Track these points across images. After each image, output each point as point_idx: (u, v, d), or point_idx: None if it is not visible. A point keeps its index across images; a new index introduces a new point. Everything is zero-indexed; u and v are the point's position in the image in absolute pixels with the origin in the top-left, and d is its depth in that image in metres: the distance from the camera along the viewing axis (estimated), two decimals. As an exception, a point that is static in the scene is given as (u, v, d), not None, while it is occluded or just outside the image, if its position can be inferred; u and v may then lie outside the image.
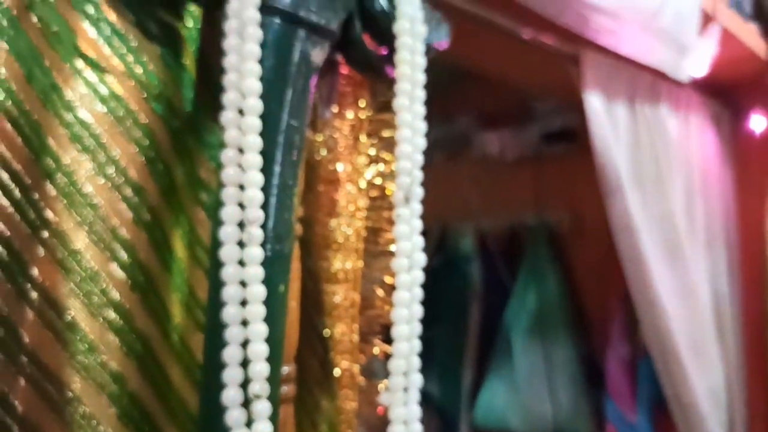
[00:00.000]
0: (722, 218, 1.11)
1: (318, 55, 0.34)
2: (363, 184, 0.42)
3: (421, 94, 0.37)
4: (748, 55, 1.03)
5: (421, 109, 0.37)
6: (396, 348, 0.34)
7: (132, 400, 0.35)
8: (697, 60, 0.80)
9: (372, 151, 0.42)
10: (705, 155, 1.09)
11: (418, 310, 0.36)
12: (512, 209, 1.54)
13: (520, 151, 1.51)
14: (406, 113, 0.36)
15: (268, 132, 0.32)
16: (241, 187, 0.31)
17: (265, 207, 0.31)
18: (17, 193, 0.34)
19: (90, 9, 0.37)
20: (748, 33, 1.01)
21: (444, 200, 1.69)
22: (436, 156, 1.73)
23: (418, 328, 0.36)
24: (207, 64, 0.41)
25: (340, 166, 0.41)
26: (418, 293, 0.36)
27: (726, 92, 1.13)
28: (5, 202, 0.34)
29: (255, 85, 0.31)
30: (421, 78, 0.38)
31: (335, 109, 0.41)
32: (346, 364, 0.41)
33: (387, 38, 0.38)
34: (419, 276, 0.36)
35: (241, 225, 0.31)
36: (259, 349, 0.30)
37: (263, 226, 0.31)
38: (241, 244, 0.31)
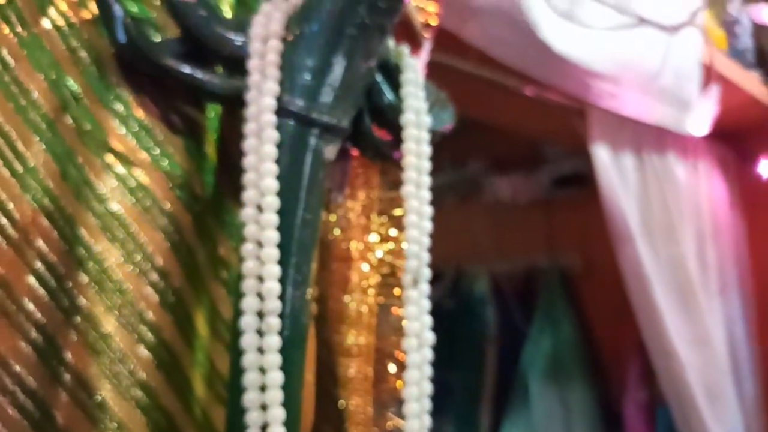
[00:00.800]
0: (735, 263, 1.12)
1: (330, 151, 0.37)
2: (375, 262, 0.44)
3: (426, 180, 0.40)
4: (752, 102, 1.05)
5: (427, 195, 0.40)
6: (407, 425, 0.36)
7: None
8: (699, 120, 0.82)
9: (383, 230, 0.44)
10: (715, 201, 1.11)
11: (428, 387, 0.38)
12: (525, 252, 1.56)
13: (531, 194, 1.53)
14: (413, 200, 0.39)
15: (284, 227, 0.34)
16: (260, 279, 0.33)
17: (282, 297, 0.34)
18: (53, 282, 0.37)
19: (119, 107, 0.40)
20: (751, 81, 1.04)
21: (457, 243, 1.71)
22: (447, 200, 1.75)
23: (428, 404, 0.37)
24: (227, 150, 0.44)
25: (352, 245, 0.44)
26: (428, 371, 0.38)
27: (733, 138, 1.15)
28: (42, 292, 0.36)
29: (272, 184, 0.34)
30: (427, 165, 0.40)
31: (347, 192, 0.43)
32: (360, 436, 0.43)
33: (394, 127, 0.40)
34: (428, 355, 0.38)
35: (260, 314, 0.33)
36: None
37: (281, 315, 0.34)
38: (260, 332, 0.33)
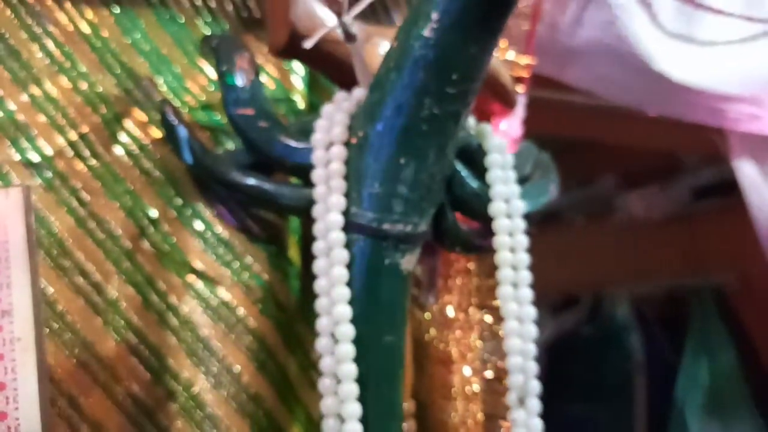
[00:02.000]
0: None
1: (409, 261, 0.33)
2: (477, 364, 0.39)
3: (527, 276, 0.35)
4: None
5: (528, 294, 0.35)
6: None
7: None
8: None
9: (484, 325, 0.40)
10: None
11: None
12: (666, 272, 1.41)
13: (668, 209, 1.39)
14: (512, 302, 0.34)
15: (364, 356, 0.31)
16: (340, 418, 0.30)
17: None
18: (142, 417, 0.36)
19: (198, 224, 0.39)
20: None
21: (591, 266, 1.59)
22: (577, 220, 1.65)
23: None
24: (311, 251, 0.41)
25: (451, 345, 0.40)
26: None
27: None
28: (132, 429, 0.35)
29: (345, 311, 0.31)
30: (525, 258, 0.35)
31: (438, 290, 0.39)
32: None
33: (483, 216, 0.36)
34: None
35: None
36: None
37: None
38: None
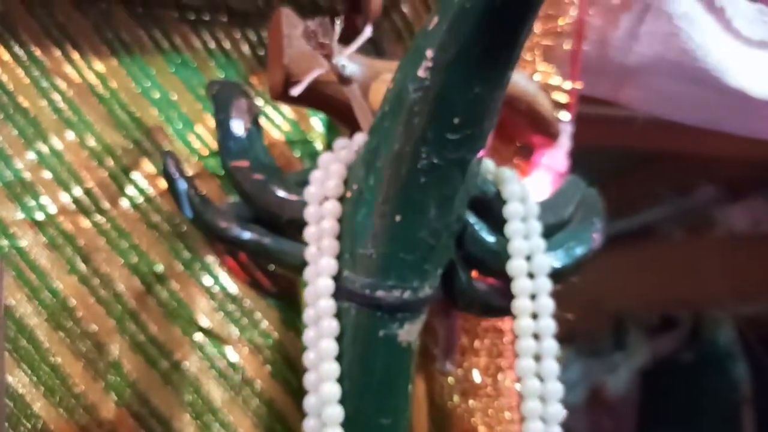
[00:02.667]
0: None
1: (409, 332, 0.29)
2: (504, 436, 0.35)
3: (552, 347, 0.30)
4: None
5: (553, 368, 0.30)
6: None
7: None
8: None
9: (515, 393, 0.35)
10: None
11: None
12: (776, 293, 1.28)
13: (776, 223, 1.26)
14: (533, 379, 0.29)
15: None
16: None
17: None
18: (143, 487, 0.34)
19: (207, 279, 0.37)
20: None
21: (689, 284, 1.47)
22: (674, 235, 1.53)
23: None
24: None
25: (477, 415, 0.35)
26: None
27: None
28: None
29: (333, 390, 0.27)
30: (551, 325, 0.30)
31: (457, 356, 0.35)
32: None
33: (500, 274, 0.31)
34: None
35: None
36: None
37: None
38: None
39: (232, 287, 0.37)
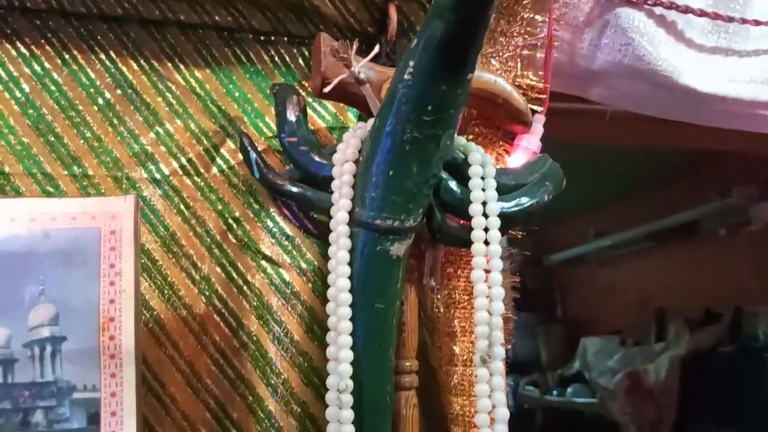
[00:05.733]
0: None
1: (397, 248, 0.43)
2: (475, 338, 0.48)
3: (498, 264, 0.43)
4: None
5: (498, 277, 0.43)
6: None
7: None
8: None
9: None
10: None
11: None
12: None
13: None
14: (480, 284, 0.43)
15: (358, 315, 0.42)
16: (338, 361, 0.41)
17: (357, 374, 0.41)
18: (221, 359, 0.50)
19: (269, 223, 0.53)
20: None
21: (732, 280, 1.52)
22: (713, 233, 1.58)
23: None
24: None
25: (455, 322, 0.49)
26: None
27: None
28: (215, 368, 0.50)
29: (344, 283, 0.42)
30: (498, 249, 0.44)
31: (438, 276, 0.49)
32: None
33: (466, 216, 0.45)
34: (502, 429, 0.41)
35: (340, 392, 0.41)
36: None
37: (361, 388, 0.41)
38: (340, 407, 0.41)
39: (286, 228, 0.52)
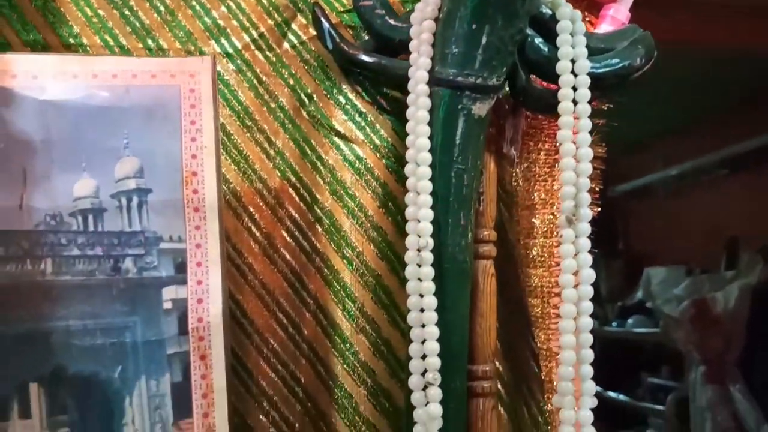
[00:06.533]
0: None
1: (480, 108, 0.41)
2: (556, 209, 0.46)
3: (587, 124, 0.41)
4: None
5: (587, 138, 0.41)
6: (561, 356, 0.39)
7: (374, 380, 0.48)
8: None
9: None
10: None
11: (586, 322, 0.39)
12: None
13: None
14: (568, 143, 0.41)
15: (439, 176, 0.41)
16: (417, 219, 0.41)
17: (437, 235, 0.40)
18: (297, 232, 0.50)
19: (341, 99, 0.52)
20: None
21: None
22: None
23: (585, 338, 0.39)
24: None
25: (535, 194, 0.47)
26: (586, 307, 0.39)
27: None
28: (291, 240, 0.50)
29: (424, 143, 0.41)
30: (587, 108, 0.41)
31: (519, 146, 0.47)
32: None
33: (553, 77, 0.43)
34: (587, 291, 0.40)
35: (420, 250, 0.40)
36: (432, 346, 0.39)
37: (439, 248, 0.40)
38: (420, 265, 0.40)
39: (359, 104, 0.51)
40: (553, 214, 0.46)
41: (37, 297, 0.37)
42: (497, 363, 0.48)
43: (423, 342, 0.40)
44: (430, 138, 0.41)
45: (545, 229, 0.47)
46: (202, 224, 0.40)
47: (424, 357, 0.40)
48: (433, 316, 0.40)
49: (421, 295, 0.40)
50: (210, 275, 0.39)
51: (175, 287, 0.39)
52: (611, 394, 1.94)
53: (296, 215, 0.50)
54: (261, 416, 0.48)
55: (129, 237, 0.39)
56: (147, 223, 0.39)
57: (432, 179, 0.41)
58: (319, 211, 0.51)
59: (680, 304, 1.60)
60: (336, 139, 0.51)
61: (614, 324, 2.00)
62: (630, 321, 1.94)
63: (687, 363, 1.67)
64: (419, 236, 0.40)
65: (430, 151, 0.41)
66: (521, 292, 0.48)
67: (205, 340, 0.39)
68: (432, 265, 0.40)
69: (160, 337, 0.38)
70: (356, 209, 0.50)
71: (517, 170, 0.48)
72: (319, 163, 0.51)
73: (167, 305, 0.39)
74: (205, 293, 0.39)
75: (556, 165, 0.47)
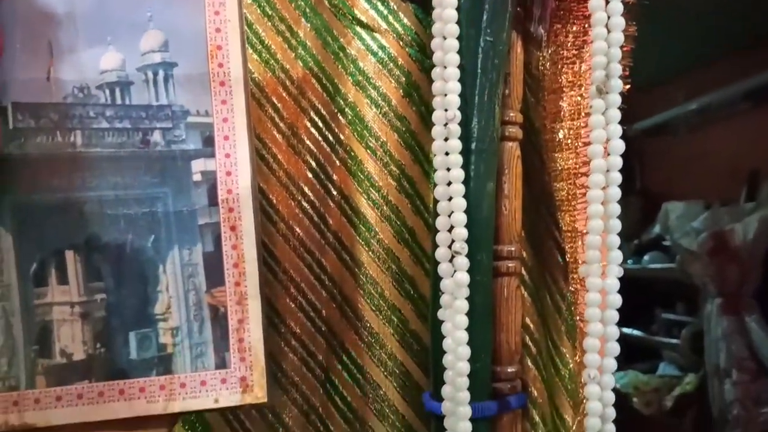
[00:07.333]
0: None
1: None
2: (584, 90, 0.45)
3: (618, 6, 0.40)
4: None
5: (618, 7, 0.40)
6: (587, 240, 0.39)
7: (399, 266, 0.49)
8: None
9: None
10: None
11: (616, 192, 0.39)
12: None
13: None
14: (600, 12, 0.40)
15: (466, 49, 0.40)
16: (445, 94, 0.40)
17: (465, 108, 0.40)
18: (321, 123, 0.50)
19: (363, -18, 0.51)
20: None
21: None
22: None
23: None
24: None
25: (563, 77, 0.46)
26: (616, 178, 0.39)
27: None
28: (314, 131, 0.50)
29: (452, 14, 0.40)
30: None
31: (547, 26, 0.46)
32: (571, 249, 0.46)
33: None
34: (617, 162, 0.39)
35: (447, 123, 0.40)
36: (459, 218, 0.39)
37: (466, 125, 0.40)
38: (447, 138, 0.40)
39: (382, -7, 0.50)
40: (581, 95, 0.45)
41: (69, 168, 0.38)
42: (522, 249, 0.48)
43: (450, 215, 0.40)
44: (457, 10, 0.40)
45: (572, 110, 0.46)
46: (229, 99, 0.40)
47: (450, 229, 0.40)
48: (461, 188, 0.40)
49: (448, 169, 0.40)
50: (238, 148, 0.39)
51: (204, 160, 0.39)
52: (626, 330, 1.96)
53: (319, 105, 0.50)
54: (289, 301, 0.49)
55: (157, 110, 0.39)
56: (174, 96, 0.39)
57: (459, 52, 0.40)
58: (341, 101, 0.50)
59: (698, 236, 1.59)
60: (358, 28, 0.51)
61: (630, 262, 2.00)
62: (646, 258, 1.94)
63: (702, 296, 1.68)
64: (446, 109, 0.40)
65: (458, 23, 0.40)
66: (546, 178, 0.48)
67: (235, 212, 0.39)
68: (459, 138, 0.40)
69: (191, 207, 0.39)
70: (379, 99, 0.50)
71: (545, 53, 0.47)
72: (341, 53, 0.51)
73: (197, 177, 0.39)
74: (234, 166, 0.39)
75: (585, 46, 0.46)
